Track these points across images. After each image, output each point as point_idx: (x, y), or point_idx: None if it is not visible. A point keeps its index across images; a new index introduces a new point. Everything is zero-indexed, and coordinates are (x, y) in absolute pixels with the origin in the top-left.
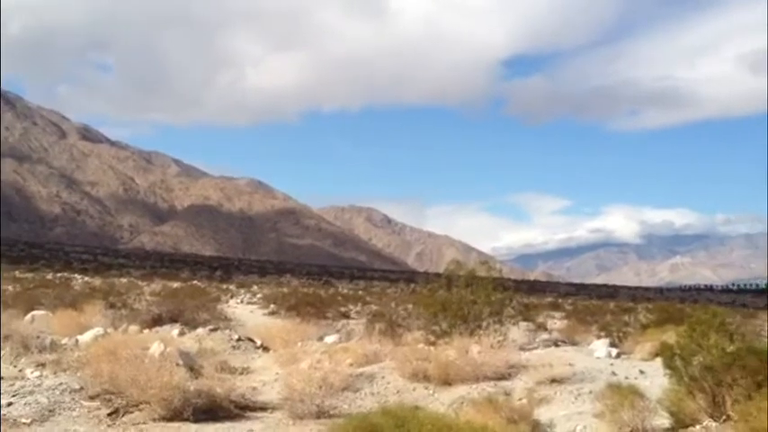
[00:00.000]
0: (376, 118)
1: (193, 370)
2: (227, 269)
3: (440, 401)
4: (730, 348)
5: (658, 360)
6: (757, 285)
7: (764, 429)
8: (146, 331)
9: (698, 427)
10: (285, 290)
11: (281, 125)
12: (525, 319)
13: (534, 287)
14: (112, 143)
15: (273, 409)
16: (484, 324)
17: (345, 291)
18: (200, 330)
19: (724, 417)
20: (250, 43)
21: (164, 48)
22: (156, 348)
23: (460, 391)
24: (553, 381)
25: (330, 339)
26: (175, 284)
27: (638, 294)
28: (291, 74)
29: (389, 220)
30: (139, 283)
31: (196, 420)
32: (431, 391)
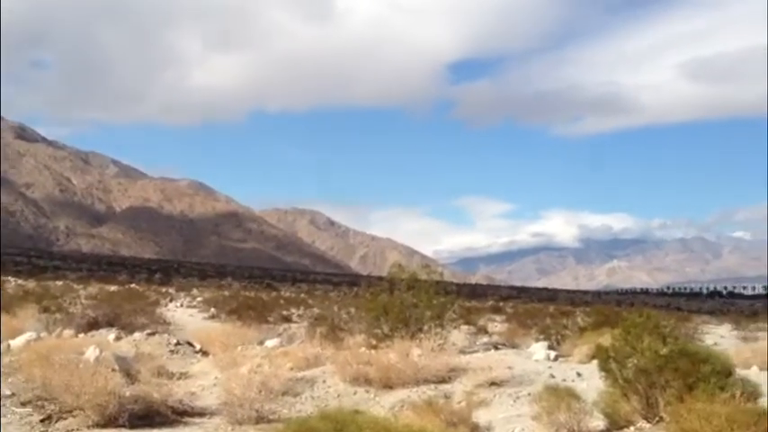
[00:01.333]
0: (321, 119)
1: (130, 375)
2: (166, 272)
3: (380, 405)
4: (663, 351)
5: (595, 362)
6: (691, 289)
7: (695, 430)
8: (81, 336)
9: (632, 428)
10: (226, 293)
11: (224, 125)
12: (466, 323)
13: (476, 290)
14: (49, 142)
15: (212, 414)
16: (425, 327)
17: (287, 294)
18: (137, 335)
19: (657, 418)
20: (193, 41)
21: (103, 44)
22: (91, 353)
23: (401, 394)
24: (492, 384)
25: (271, 343)
26: (113, 288)
27: (576, 298)
28: (236, 73)
29: (333, 223)
30: (75, 286)
31: (132, 427)
32: (372, 395)
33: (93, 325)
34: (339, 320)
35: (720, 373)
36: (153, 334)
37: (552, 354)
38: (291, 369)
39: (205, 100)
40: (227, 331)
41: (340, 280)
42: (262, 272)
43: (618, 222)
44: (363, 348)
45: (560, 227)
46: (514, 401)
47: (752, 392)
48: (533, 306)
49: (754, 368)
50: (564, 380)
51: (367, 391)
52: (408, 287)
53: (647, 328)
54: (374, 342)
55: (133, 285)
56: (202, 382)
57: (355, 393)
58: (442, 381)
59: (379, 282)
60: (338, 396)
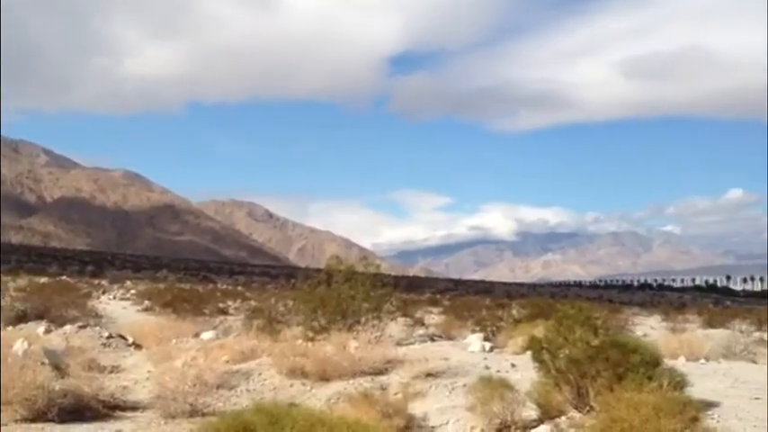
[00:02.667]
0: (260, 111)
1: (59, 369)
2: (99, 264)
3: (317, 397)
4: (594, 342)
5: (529, 354)
6: (623, 281)
7: (623, 419)
8: (9, 329)
9: (563, 417)
10: (161, 285)
11: (160, 115)
12: (404, 315)
13: (414, 283)
14: None
15: (145, 408)
16: (362, 320)
17: (224, 287)
18: (67, 327)
19: (587, 407)
20: (129, 29)
21: (34, 30)
22: (19, 347)
23: (338, 386)
24: (429, 375)
25: (207, 336)
26: (43, 280)
27: (512, 290)
28: (173, 62)
29: (271, 215)
30: (3, 278)
31: (61, 421)
32: (308, 388)
33: (21, 318)
34: (276, 313)
35: (649, 364)
36: (84, 327)
37: (488, 345)
38: (227, 362)
39: (141, 89)
40: (162, 324)
41: (278, 272)
42: (198, 264)
43: (554, 216)
44: (300, 341)
45: (498, 220)
46: (450, 392)
47: (679, 382)
48: (470, 298)
49: (682, 358)
50: (498, 371)
51: (303, 384)
52: (346, 279)
53: (579, 319)
54: (311, 334)
55: (64, 277)
56: (135, 376)
57: (291, 386)
58: (379, 373)
59: (317, 274)
60: (274, 389)
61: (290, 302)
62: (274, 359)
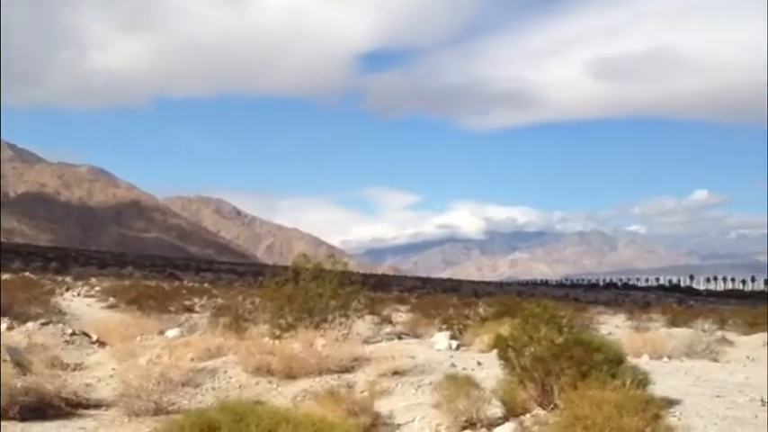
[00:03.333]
0: (229, 107)
1: (21, 366)
2: (63, 260)
3: (283, 395)
4: (559, 340)
5: (495, 352)
6: (588, 280)
7: (586, 417)
8: None
9: (528, 415)
10: (126, 282)
11: (127, 110)
12: (371, 313)
13: (382, 281)
14: None
15: (108, 406)
16: (330, 317)
17: (191, 284)
18: (30, 324)
19: (552, 405)
20: (97, 22)
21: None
22: None
23: (304, 384)
24: (395, 373)
25: (172, 333)
26: (5, 276)
27: (480, 289)
28: (140, 57)
29: (239, 212)
30: None
31: (23, 419)
32: (274, 385)
33: None
34: (243, 310)
35: (612, 362)
36: (47, 324)
37: (454, 343)
38: (192, 360)
39: (108, 83)
40: (126, 321)
41: (245, 270)
42: (164, 261)
43: (522, 215)
44: (267, 338)
45: (466, 219)
46: (416, 390)
47: (642, 380)
48: (437, 297)
49: (645, 357)
50: (465, 369)
51: (269, 382)
52: (313, 277)
53: (544, 318)
54: (278, 332)
55: (27, 274)
56: (99, 374)
57: (257, 384)
58: (346, 370)
59: (285, 272)
60: (240, 387)
61: (257, 300)
62: (240, 357)
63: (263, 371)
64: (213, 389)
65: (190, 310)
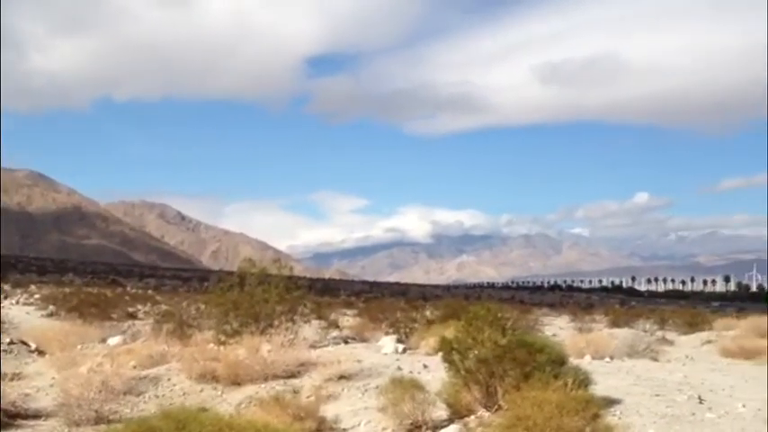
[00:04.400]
0: (173, 110)
1: None
2: (1, 268)
3: (227, 402)
4: (503, 342)
5: (440, 354)
6: (534, 282)
7: (527, 417)
8: None
9: (472, 417)
10: (67, 290)
11: (67, 113)
12: (318, 317)
13: (329, 285)
14: None
15: (48, 416)
16: (276, 323)
17: (134, 290)
18: None
19: (496, 406)
20: (35, 23)
21: None
22: None
23: (249, 390)
24: (341, 377)
25: (114, 341)
26: None
27: (427, 292)
28: (81, 58)
29: (183, 217)
30: None
31: None
32: (219, 392)
33: None
34: (187, 317)
35: (555, 362)
36: None
37: (401, 347)
38: (135, 367)
39: (47, 85)
40: (67, 329)
41: (190, 275)
42: (107, 267)
43: (469, 219)
44: (212, 345)
45: (414, 222)
46: (362, 394)
47: (583, 380)
48: (385, 300)
49: (588, 357)
50: (411, 372)
51: (214, 389)
52: (259, 282)
53: (488, 320)
54: (223, 338)
55: None
56: (38, 383)
57: (202, 391)
58: (292, 376)
59: (231, 277)
60: (184, 394)
61: (202, 306)
62: (184, 364)
63: (208, 377)
64: (156, 397)
65: (133, 317)
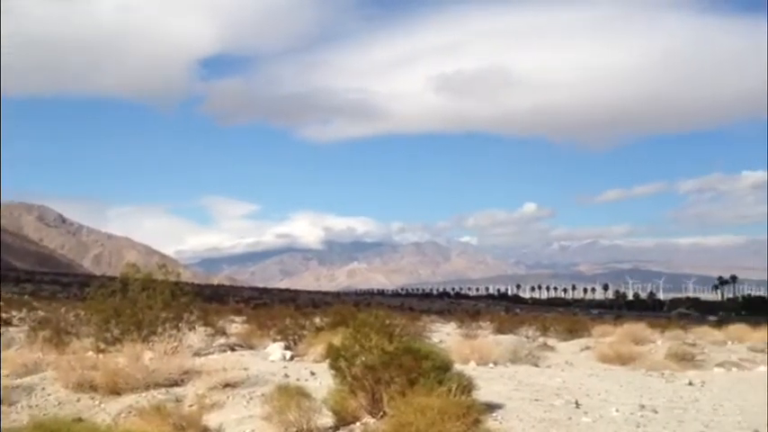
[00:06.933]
0: (56, 106)
1: None
2: None
3: (106, 412)
4: (390, 348)
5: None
6: (423, 290)
7: (410, 423)
8: None
9: (358, 423)
10: None
11: None
12: (205, 324)
13: (218, 291)
14: None
15: None
16: (159, 330)
17: (9, 295)
18: None
19: (381, 413)
20: None
21: None
22: None
23: (129, 399)
24: (227, 385)
25: None
26: None
27: (317, 299)
28: None
29: (64, 220)
30: None
31: None
32: (97, 402)
33: None
34: (65, 323)
35: (440, 369)
36: None
37: (288, 354)
38: (7, 376)
39: None
40: None
41: (70, 281)
42: None
43: (361, 225)
44: (91, 353)
45: (306, 229)
46: (248, 402)
47: (467, 386)
48: (274, 307)
49: (472, 363)
50: (298, 379)
51: (92, 398)
52: (143, 288)
53: (375, 327)
54: (102, 346)
55: None
56: None
57: (79, 400)
58: (175, 384)
59: (113, 282)
60: (59, 404)
61: (82, 312)
62: (60, 372)
63: (86, 387)
64: (29, 407)
65: (7, 323)
